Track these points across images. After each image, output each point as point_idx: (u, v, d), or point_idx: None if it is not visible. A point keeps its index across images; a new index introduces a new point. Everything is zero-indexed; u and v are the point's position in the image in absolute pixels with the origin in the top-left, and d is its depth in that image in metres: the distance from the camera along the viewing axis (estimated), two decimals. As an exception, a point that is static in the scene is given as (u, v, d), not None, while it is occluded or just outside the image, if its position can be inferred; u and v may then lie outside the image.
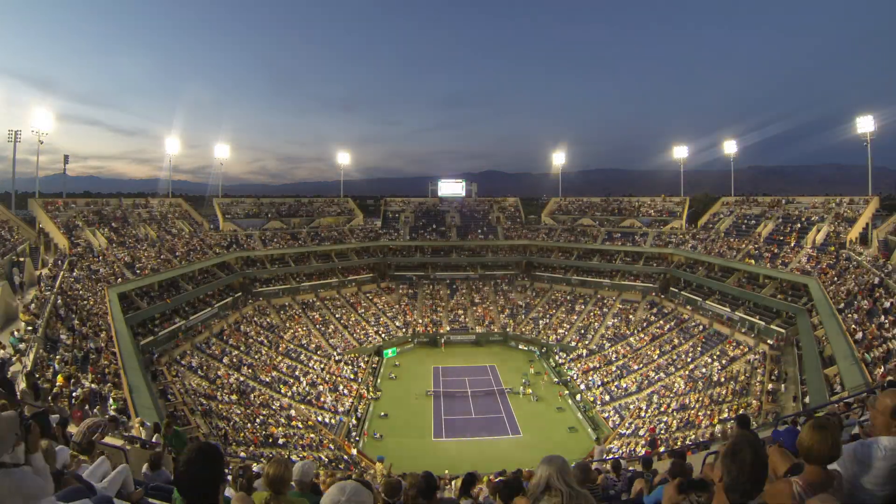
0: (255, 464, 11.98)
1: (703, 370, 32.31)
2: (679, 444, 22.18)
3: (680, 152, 51.90)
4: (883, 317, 20.51)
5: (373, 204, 61.29)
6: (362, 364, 38.99)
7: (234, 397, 28.43)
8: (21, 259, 23.20)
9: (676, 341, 37.43)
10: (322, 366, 37.42)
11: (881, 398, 2.56)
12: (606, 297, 47.28)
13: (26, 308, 17.89)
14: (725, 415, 24.55)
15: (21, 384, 11.84)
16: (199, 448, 2.09)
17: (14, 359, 13.64)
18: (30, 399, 7.60)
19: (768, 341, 31.62)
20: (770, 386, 26.16)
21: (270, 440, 23.81)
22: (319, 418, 30.50)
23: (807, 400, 20.98)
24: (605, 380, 35.53)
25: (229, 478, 6.12)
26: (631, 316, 43.77)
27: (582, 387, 35.37)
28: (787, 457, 2.91)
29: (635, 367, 35.96)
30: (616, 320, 43.81)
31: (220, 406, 26.02)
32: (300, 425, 27.81)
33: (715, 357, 33.27)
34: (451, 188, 60.11)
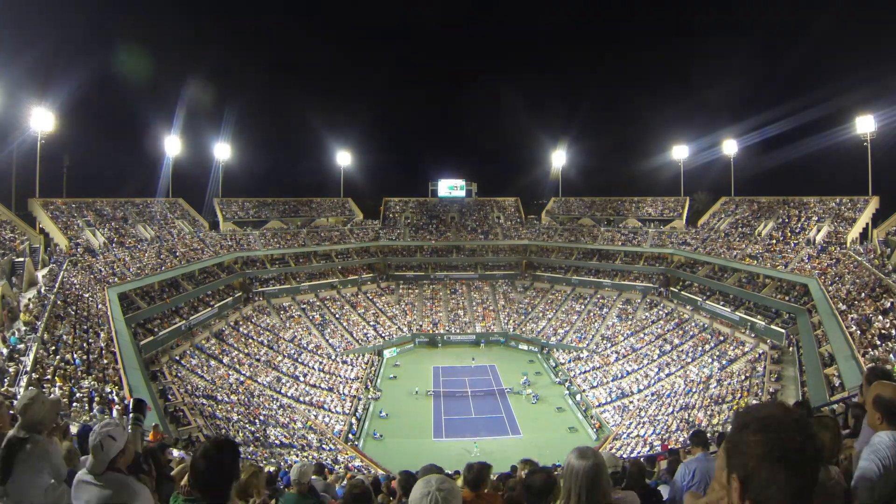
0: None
1: (704, 370, 32.32)
2: (678, 444, 22.18)
3: (680, 152, 51.88)
4: (882, 316, 20.53)
5: (373, 204, 61.12)
6: (362, 364, 38.99)
7: (234, 398, 28.45)
8: (21, 259, 23.19)
9: (676, 341, 37.43)
10: (322, 366, 37.43)
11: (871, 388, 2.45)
12: (606, 296, 47.28)
13: (26, 308, 17.90)
14: (726, 415, 24.56)
15: (22, 384, 11.85)
16: (211, 448, 2.18)
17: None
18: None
19: (768, 341, 31.66)
20: (770, 386, 26.19)
21: (270, 440, 23.83)
22: (319, 418, 30.51)
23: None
24: (606, 380, 35.53)
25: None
26: (631, 316, 43.78)
27: (582, 387, 35.37)
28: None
29: (635, 367, 35.96)
30: (616, 320, 43.82)
31: (219, 406, 26.04)
32: (300, 425, 27.83)
33: (715, 357, 33.29)
34: (450, 188, 60.11)
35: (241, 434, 22.86)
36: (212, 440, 2.27)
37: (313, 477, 5.75)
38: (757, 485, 1.11)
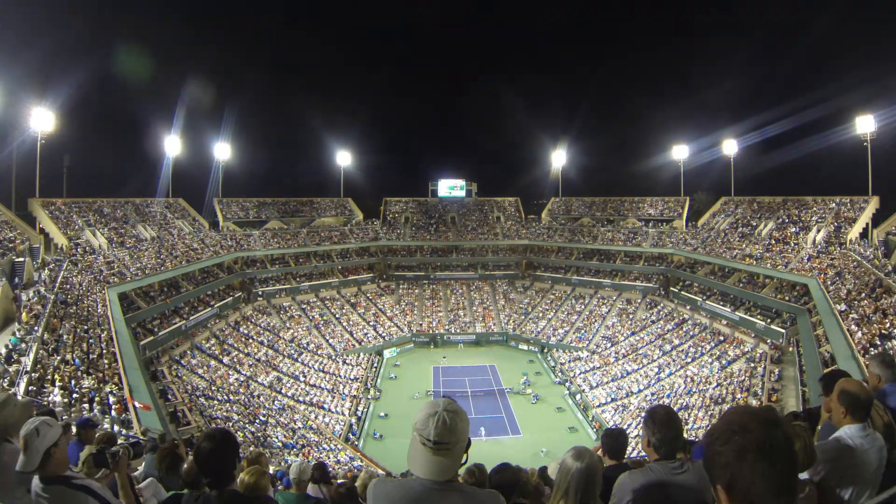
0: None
1: (704, 370, 32.32)
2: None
3: (680, 152, 51.86)
4: (882, 316, 20.53)
5: (373, 204, 61.09)
6: (362, 364, 38.98)
7: (234, 397, 28.43)
8: (21, 259, 23.19)
9: (676, 341, 37.42)
10: (322, 366, 37.42)
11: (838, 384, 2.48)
12: (607, 296, 47.28)
13: (26, 308, 17.90)
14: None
15: (22, 384, 11.84)
16: (216, 432, 2.35)
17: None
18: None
19: (768, 341, 31.65)
20: (770, 386, 26.19)
21: (270, 440, 23.82)
22: (319, 418, 30.50)
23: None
24: (605, 380, 35.52)
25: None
26: (631, 316, 43.78)
27: (582, 387, 35.37)
28: None
29: (635, 367, 35.96)
30: (616, 320, 43.81)
31: (220, 406, 26.03)
32: (300, 425, 27.82)
33: (715, 357, 33.28)
34: (450, 188, 60.10)
35: (241, 434, 22.84)
36: (211, 431, 2.43)
37: (311, 486, 5.68)
38: (740, 484, 1.12)
